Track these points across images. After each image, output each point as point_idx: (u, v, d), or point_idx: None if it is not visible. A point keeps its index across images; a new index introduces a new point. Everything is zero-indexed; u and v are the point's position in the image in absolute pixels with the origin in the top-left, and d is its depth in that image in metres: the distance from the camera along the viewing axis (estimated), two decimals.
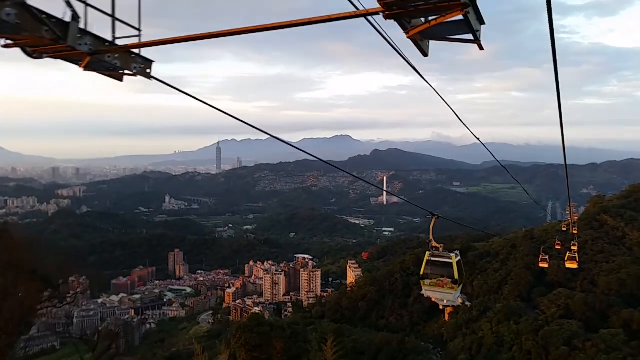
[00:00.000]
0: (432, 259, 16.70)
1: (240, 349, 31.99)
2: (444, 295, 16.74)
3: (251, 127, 8.54)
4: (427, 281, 16.87)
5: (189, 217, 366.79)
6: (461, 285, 16.81)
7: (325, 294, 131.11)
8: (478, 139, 20.96)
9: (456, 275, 16.15)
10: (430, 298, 17.74)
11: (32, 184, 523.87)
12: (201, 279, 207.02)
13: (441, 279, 16.43)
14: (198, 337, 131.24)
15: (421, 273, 16.98)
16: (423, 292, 17.29)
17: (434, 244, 17.10)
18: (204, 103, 7.18)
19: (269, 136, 9.64)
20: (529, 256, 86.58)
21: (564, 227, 56.92)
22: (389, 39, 7.87)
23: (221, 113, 7.40)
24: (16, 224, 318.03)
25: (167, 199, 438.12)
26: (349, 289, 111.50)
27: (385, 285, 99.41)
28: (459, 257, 16.77)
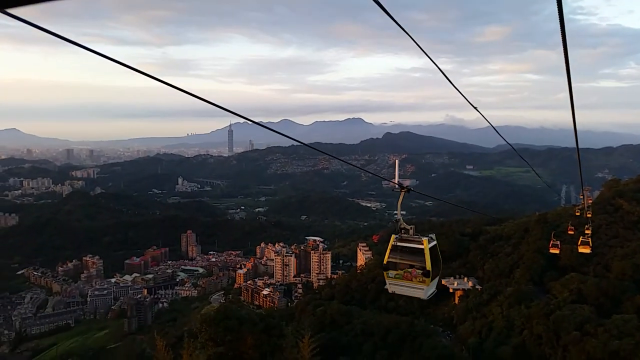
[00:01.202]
0: (399, 244, 13.82)
1: (206, 344, 29.67)
2: (413, 291, 13.72)
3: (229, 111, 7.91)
4: (391, 272, 13.92)
5: (201, 199, 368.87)
6: (435, 279, 13.90)
7: (335, 276, 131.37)
8: (490, 123, 20.31)
9: (428, 266, 13.21)
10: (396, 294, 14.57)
11: (47, 165, 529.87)
12: (213, 259, 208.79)
13: (409, 270, 13.58)
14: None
15: (384, 262, 14.07)
16: (387, 286, 14.27)
17: (403, 224, 14.10)
18: (185, 92, 6.81)
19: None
20: (541, 240, 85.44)
21: (577, 211, 55.68)
22: (398, 22, 7.78)
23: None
24: (31, 204, 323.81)
25: (179, 180, 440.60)
26: (358, 271, 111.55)
27: None
28: (433, 242, 13.94)
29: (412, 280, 13.53)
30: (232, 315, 31.03)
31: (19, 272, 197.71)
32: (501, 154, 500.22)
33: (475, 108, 17.45)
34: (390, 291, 14.29)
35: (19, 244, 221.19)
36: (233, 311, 32.56)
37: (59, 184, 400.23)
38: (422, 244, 13.32)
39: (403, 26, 7.81)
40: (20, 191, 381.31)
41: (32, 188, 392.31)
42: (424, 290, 13.48)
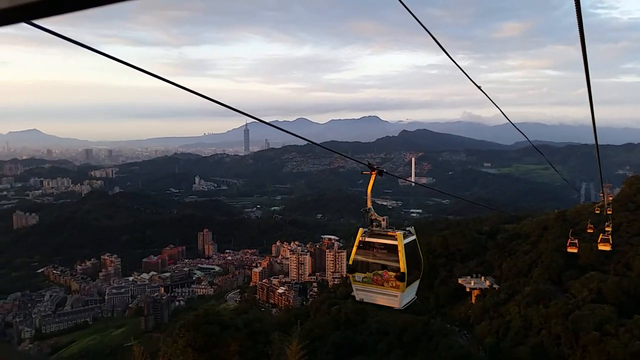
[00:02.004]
0: (369, 239, 11.52)
1: (185, 350, 27.60)
2: (385, 299, 11.21)
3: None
4: (357, 276, 11.51)
5: (217, 198, 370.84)
6: (414, 284, 11.60)
7: None
8: (508, 119, 19.75)
9: (403, 267, 10.78)
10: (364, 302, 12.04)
11: (67, 165, 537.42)
12: (229, 258, 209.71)
13: (380, 272, 11.15)
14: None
15: (349, 262, 11.85)
16: (354, 292, 11.98)
17: (374, 215, 11.86)
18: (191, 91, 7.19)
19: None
20: (560, 238, 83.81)
21: (597, 209, 54.37)
22: (418, 19, 7.85)
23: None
24: (51, 204, 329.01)
25: (196, 180, 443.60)
26: None
27: None
28: (411, 238, 11.67)
29: (383, 285, 11.08)
30: (213, 320, 29.79)
31: (39, 271, 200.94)
32: (519, 151, 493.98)
33: (494, 104, 17.12)
34: (357, 299, 12.03)
35: (39, 243, 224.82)
36: (214, 316, 30.62)
37: (78, 184, 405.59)
38: (397, 239, 11.14)
39: (420, 23, 8.00)
40: (40, 191, 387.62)
41: (52, 188, 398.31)
42: (398, 298, 10.99)
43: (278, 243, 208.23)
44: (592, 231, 51.27)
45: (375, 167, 11.75)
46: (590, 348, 57.33)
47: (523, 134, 22.78)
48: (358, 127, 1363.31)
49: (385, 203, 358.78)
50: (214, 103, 7.79)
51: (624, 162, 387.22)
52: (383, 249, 11.31)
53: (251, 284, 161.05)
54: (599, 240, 40.05)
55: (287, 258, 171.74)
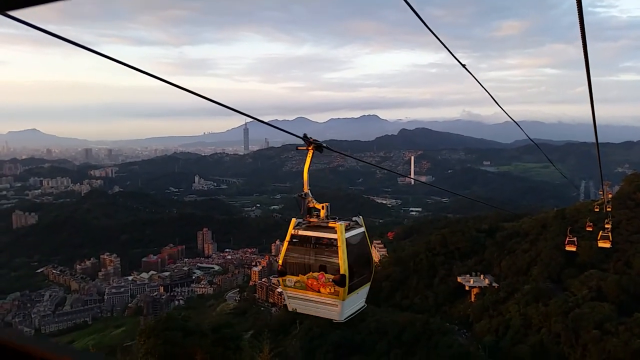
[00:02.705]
0: (303, 232, 9.55)
1: (144, 358, 24.52)
2: (322, 309, 9.14)
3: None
4: (289, 280, 9.47)
5: (217, 197, 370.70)
6: (360, 290, 9.46)
7: None
8: (509, 116, 19.63)
9: (343, 268, 8.74)
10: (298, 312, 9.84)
11: (66, 165, 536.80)
12: (229, 257, 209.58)
13: (316, 274, 9.07)
14: (224, 314, 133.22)
15: (279, 262, 9.88)
16: (286, 301, 9.93)
17: (312, 201, 9.79)
18: (190, 91, 7.20)
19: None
20: (559, 236, 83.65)
21: (597, 207, 54.16)
22: (422, 18, 7.73)
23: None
24: (50, 203, 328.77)
25: (196, 179, 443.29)
26: None
27: (410, 266, 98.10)
28: (357, 231, 9.71)
29: (319, 291, 8.98)
30: (176, 325, 27.70)
31: (39, 270, 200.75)
32: (519, 150, 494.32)
33: (495, 101, 16.86)
34: (290, 308, 9.82)
35: (39, 243, 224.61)
36: (177, 321, 28.89)
37: (78, 183, 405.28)
38: (336, 231, 9.04)
39: (421, 23, 7.91)
40: (40, 190, 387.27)
41: (52, 187, 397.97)
42: (337, 308, 8.88)
43: (277, 242, 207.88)
44: (591, 229, 51.09)
45: (311, 139, 9.14)
46: (591, 347, 57.28)
47: (523, 131, 22.75)
48: (357, 126, 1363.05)
49: (384, 202, 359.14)
50: (213, 103, 7.75)
51: (623, 160, 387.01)
52: (321, 244, 9.23)
53: (250, 283, 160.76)
54: (598, 238, 39.98)
55: None
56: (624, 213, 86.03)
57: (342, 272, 8.74)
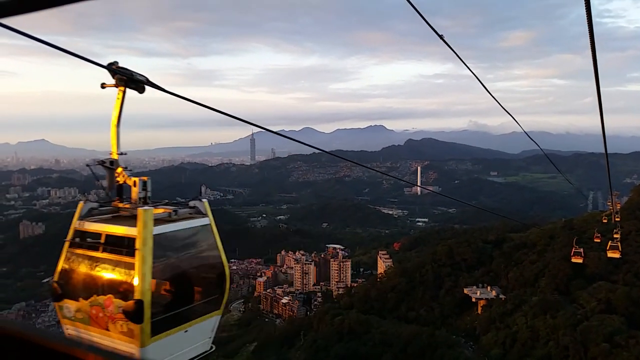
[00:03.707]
0: (89, 226, 6.45)
1: None
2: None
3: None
4: (67, 307, 6.25)
5: (223, 207, 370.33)
6: (196, 325, 6.14)
7: (355, 284, 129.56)
8: (520, 126, 19.52)
9: (140, 288, 5.48)
10: None
11: (74, 175, 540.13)
12: (234, 267, 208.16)
13: (101, 299, 5.84)
14: (228, 325, 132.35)
15: (54, 279, 6.56)
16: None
17: (123, 175, 6.96)
18: (198, 103, 6.85)
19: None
20: (567, 247, 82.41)
21: (605, 218, 53.17)
22: (431, 25, 7.63)
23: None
24: (58, 213, 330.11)
25: (203, 189, 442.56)
26: (378, 279, 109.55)
27: (416, 277, 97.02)
28: (196, 224, 6.90)
29: (107, 328, 5.76)
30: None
31: (44, 281, 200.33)
32: (526, 160, 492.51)
33: (505, 110, 16.64)
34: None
35: (45, 253, 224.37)
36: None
37: (85, 193, 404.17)
38: (139, 224, 5.83)
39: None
40: (47, 200, 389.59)
41: (59, 197, 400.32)
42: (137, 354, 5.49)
43: (283, 252, 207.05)
44: (599, 240, 50.17)
45: (117, 67, 5.92)
46: None
47: (534, 141, 22.73)
48: (364, 136, 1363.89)
49: (391, 212, 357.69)
50: (220, 114, 7.36)
51: (632, 171, 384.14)
52: (117, 246, 5.89)
53: (255, 294, 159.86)
54: (607, 248, 39.29)
55: (292, 267, 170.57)
56: (633, 224, 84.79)
57: (137, 296, 5.35)
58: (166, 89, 6.35)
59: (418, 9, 6.63)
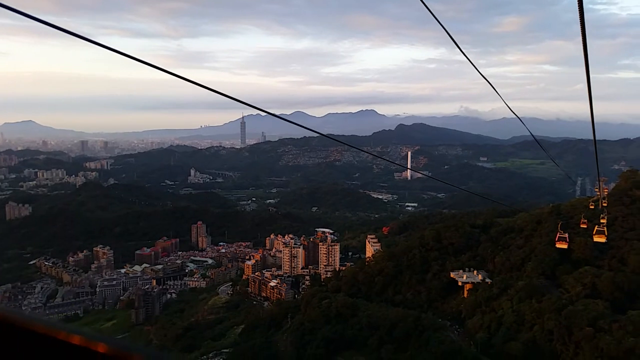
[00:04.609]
0: None
1: None
2: None
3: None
4: None
5: (213, 191, 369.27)
6: None
7: (343, 268, 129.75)
8: (512, 110, 19.17)
9: None
10: None
11: (61, 157, 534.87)
12: (223, 250, 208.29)
13: None
14: (216, 308, 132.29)
15: None
16: None
17: None
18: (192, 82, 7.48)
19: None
20: (554, 232, 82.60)
21: (592, 204, 53.09)
22: (428, 7, 7.81)
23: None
24: (45, 195, 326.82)
25: (192, 172, 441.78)
26: (366, 263, 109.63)
27: (403, 261, 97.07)
28: None
29: None
30: None
31: (31, 262, 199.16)
32: (516, 146, 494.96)
33: (499, 95, 16.63)
34: None
35: (32, 234, 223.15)
36: None
37: (73, 175, 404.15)
38: None
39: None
40: (34, 182, 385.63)
41: (47, 179, 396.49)
42: None
43: (272, 236, 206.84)
44: (585, 226, 50.18)
45: None
46: (584, 344, 56.39)
47: (526, 127, 22.77)
48: (355, 121, 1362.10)
49: (380, 196, 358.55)
50: (210, 95, 7.00)
51: (620, 158, 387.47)
52: None
53: (244, 277, 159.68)
54: (594, 232, 39.21)
55: (281, 251, 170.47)
56: (619, 210, 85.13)
57: None
58: (166, 69, 6.87)
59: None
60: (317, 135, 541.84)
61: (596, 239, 39.00)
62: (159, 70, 6.72)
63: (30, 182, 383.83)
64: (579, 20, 5.63)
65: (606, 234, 38.35)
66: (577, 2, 5.19)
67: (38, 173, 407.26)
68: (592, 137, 12.87)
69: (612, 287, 66.75)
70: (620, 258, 75.35)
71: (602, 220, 38.78)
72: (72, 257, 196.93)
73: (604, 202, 43.80)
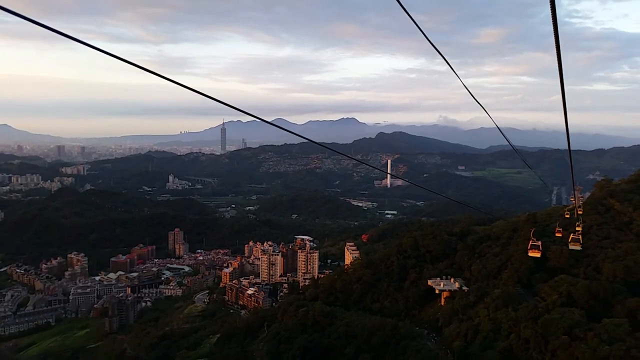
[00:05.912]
0: None
1: None
2: None
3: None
4: None
5: (191, 197, 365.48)
6: None
7: (322, 276, 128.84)
8: (493, 120, 19.27)
9: None
10: None
11: (37, 161, 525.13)
12: (200, 258, 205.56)
13: None
14: (192, 316, 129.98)
15: None
16: None
17: None
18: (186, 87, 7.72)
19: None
20: (530, 240, 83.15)
21: (567, 213, 53.30)
22: (413, 18, 7.80)
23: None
24: (19, 200, 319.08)
25: (170, 178, 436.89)
26: (344, 271, 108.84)
27: (381, 268, 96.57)
28: None
29: None
30: None
31: (2, 270, 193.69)
32: (493, 155, 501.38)
33: (480, 105, 16.79)
34: None
35: (4, 241, 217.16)
36: None
37: (48, 181, 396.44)
38: None
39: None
40: (8, 187, 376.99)
41: (21, 184, 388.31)
42: None
43: (251, 243, 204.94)
44: (560, 235, 50.34)
45: None
46: (559, 352, 56.33)
47: (505, 137, 22.92)
48: (336, 129, 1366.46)
49: (360, 204, 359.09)
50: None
51: (595, 167, 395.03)
52: None
53: (221, 285, 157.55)
54: (569, 240, 39.20)
55: (259, 259, 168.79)
56: (594, 218, 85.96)
57: None
58: (156, 72, 7.33)
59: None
60: (298, 142, 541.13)
61: (571, 246, 39.08)
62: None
63: (4, 187, 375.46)
64: (560, 32, 5.75)
65: (581, 241, 38.41)
66: (551, 16, 5.30)
67: (12, 178, 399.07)
68: (567, 148, 12.86)
69: (588, 295, 67.01)
70: (595, 266, 75.87)
71: (577, 229, 38.84)
72: (45, 264, 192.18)
73: (580, 211, 43.94)
